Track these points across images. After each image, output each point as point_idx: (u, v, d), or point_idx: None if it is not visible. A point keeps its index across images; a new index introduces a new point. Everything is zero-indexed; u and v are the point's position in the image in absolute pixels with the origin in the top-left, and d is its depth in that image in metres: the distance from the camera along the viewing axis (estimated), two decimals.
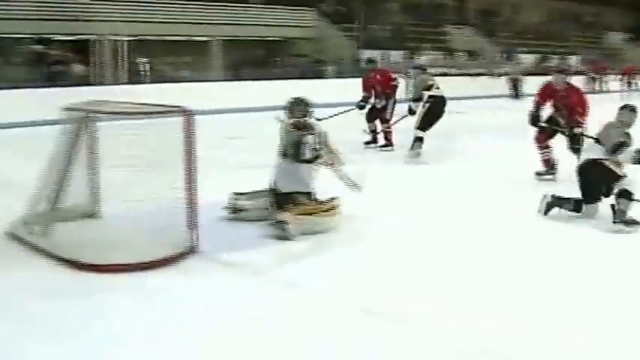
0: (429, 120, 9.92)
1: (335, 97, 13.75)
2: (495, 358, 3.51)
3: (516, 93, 23.19)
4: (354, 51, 22.77)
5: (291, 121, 6.03)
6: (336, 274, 4.76)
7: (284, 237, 5.52)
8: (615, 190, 5.96)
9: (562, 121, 8.09)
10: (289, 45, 23.26)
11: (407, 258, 5.15)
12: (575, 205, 6.27)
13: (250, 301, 4.27)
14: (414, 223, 6.14)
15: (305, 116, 6.08)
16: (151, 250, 4.89)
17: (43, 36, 18.17)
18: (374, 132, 11.23)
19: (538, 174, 8.32)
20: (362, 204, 6.16)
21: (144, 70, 18.54)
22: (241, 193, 6.16)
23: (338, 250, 5.36)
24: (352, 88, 12.33)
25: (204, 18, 20.46)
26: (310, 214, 5.71)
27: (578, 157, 6.82)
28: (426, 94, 10.06)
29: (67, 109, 5.70)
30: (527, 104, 8.72)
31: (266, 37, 22.50)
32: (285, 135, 6.02)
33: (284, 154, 5.97)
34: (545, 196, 6.40)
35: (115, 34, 17.35)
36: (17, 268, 4.85)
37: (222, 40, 21.30)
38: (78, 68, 17.27)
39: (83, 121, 5.56)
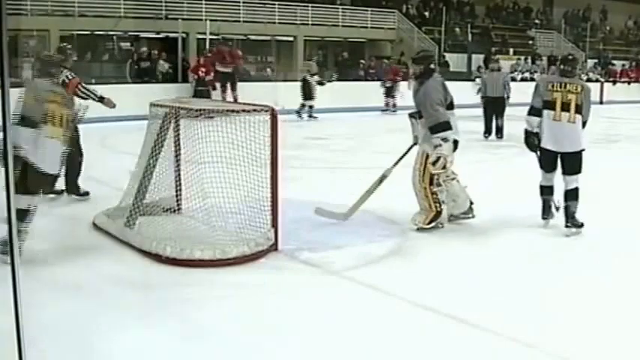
0: None
1: None
2: None
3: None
4: (437, 54, 22.41)
5: None
6: (415, 278, 4.64)
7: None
8: None
9: None
10: (372, 47, 23.10)
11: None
12: None
13: (323, 300, 4.21)
14: None
15: None
16: (232, 247, 4.85)
17: (131, 33, 18.65)
18: None
19: None
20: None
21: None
22: None
23: (421, 254, 5.23)
24: None
25: (290, 18, 20.55)
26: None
27: None
28: None
29: (154, 105, 5.77)
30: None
31: (350, 38, 22.39)
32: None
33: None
34: None
35: (200, 33, 17.58)
36: (104, 258, 4.94)
37: (306, 40, 21.33)
38: (164, 65, 17.56)
39: (169, 117, 5.60)
